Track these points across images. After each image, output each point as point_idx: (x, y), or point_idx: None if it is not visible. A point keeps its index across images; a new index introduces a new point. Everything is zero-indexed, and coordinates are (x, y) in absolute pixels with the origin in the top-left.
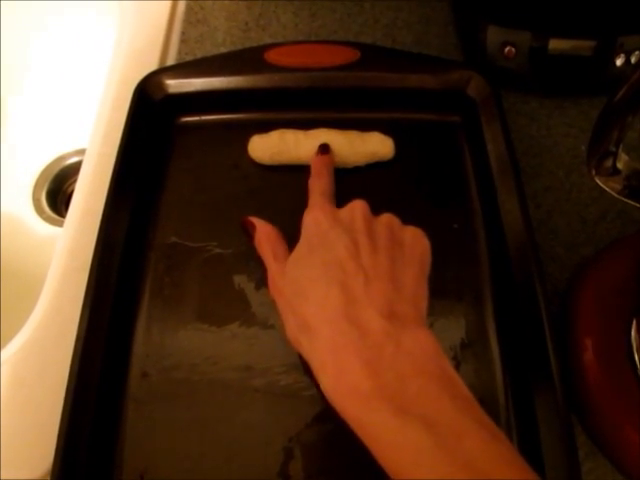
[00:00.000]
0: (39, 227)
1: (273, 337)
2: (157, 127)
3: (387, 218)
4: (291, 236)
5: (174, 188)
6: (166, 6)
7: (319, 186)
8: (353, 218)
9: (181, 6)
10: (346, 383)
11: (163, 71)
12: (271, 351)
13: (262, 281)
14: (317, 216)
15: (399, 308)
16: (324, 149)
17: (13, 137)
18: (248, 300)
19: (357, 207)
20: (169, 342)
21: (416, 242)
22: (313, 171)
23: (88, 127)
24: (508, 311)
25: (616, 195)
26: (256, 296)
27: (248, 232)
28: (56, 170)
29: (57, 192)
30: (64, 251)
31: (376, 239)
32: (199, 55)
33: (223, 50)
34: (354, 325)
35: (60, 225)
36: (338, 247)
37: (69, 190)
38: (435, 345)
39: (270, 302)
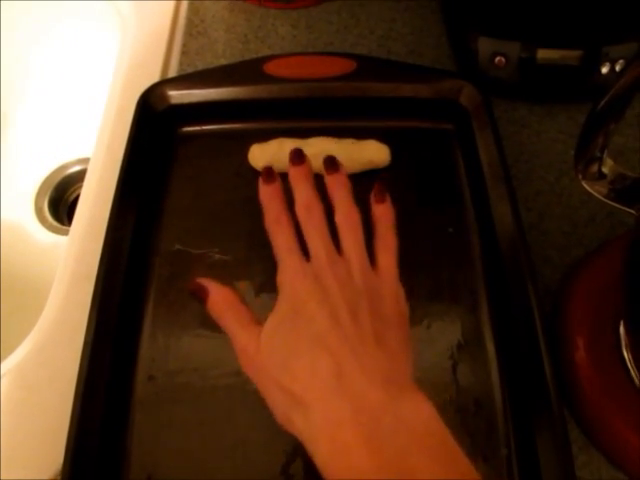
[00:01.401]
0: (41, 236)
1: None
2: (160, 137)
3: (360, 270)
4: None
5: (177, 196)
6: (167, 19)
7: (285, 241)
8: (328, 277)
9: (182, 19)
10: (345, 462)
11: (165, 82)
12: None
13: (263, 286)
14: (292, 282)
15: (391, 375)
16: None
17: (15, 146)
18: (250, 303)
19: (330, 264)
20: (174, 346)
21: (394, 297)
22: (271, 211)
23: (90, 136)
24: (502, 311)
25: (602, 198)
26: (257, 301)
27: (199, 297)
28: (58, 179)
29: (59, 201)
30: (70, 258)
31: (356, 302)
32: (200, 67)
33: (223, 62)
34: (347, 399)
35: (62, 234)
36: (319, 318)
37: (71, 199)
38: (433, 412)
39: (272, 306)
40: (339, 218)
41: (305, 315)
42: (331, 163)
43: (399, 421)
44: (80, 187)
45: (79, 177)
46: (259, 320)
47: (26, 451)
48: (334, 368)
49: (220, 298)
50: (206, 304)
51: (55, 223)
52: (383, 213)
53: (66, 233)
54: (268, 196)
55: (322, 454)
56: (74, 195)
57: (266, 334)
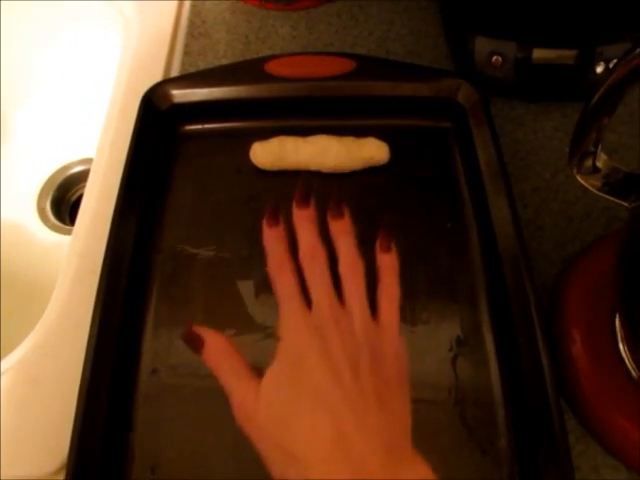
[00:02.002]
0: (44, 235)
1: (273, 337)
2: (162, 135)
3: (361, 323)
4: (292, 242)
5: (179, 193)
6: (169, 20)
7: (287, 288)
8: (330, 330)
9: (184, 20)
10: None
11: (168, 82)
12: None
13: (263, 285)
14: (293, 332)
15: (391, 439)
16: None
17: (18, 147)
18: (250, 301)
19: (332, 316)
20: (176, 340)
21: (395, 353)
22: (274, 256)
23: (92, 137)
24: (500, 306)
25: (596, 192)
26: (257, 299)
27: (194, 346)
28: (60, 179)
29: (61, 201)
30: (74, 254)
31: (357, 359)
32: (201, 67)
33: (224, 62)
34: (347, 462)
35: (64, 233)
36: (320, 375)
37: (73, 199)
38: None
39: (271, 305)
40: (342, 268)
41: (306, 371)
42: (336, 209)
43: None
44: (82, 187)
45: (81, 177)
46: (255, 364)
47: (31, 444)
48: (335, 430)
49: (216, 348)
50: (201, 354)
51: (57, 223)
52: (388, 263)
53: (68, 232)
54: (272, 240)
55: None
56: (76, 195)
57: (265, 389)
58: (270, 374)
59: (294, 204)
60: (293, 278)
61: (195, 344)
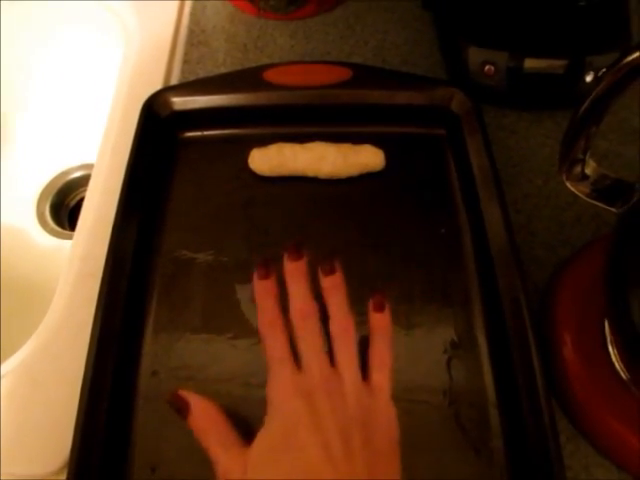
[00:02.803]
0: (43, 239)
1: None
2: (163, 142)
3: (352, 388)
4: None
5: (179, 199)
6: (169, 29)
7: (277, 349)
8: (320, 397)
9: (184, 29)
10: None
11: (168, 90)
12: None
13: None
14: (282, 398)
15: None
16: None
17: (18, 152)
18: (247, 305)
19: (323, 382)
20: (176, 343)
21: (386, 422)
22: (266, 312)
23: (91, 142)
24: (493, 309)
25: (585, 197)
26: (253, 307)
27: (179, 411)
28: (60, 184)
29: (60, 205)
30: (75, 258)
31: (348, 430)
32: (201, 75)
33: (223, 70)
34: None
35: (63, 237)
36: (310, 449)
37: (72, 204)
38: None
39: None
40: (334, 328)
41: (296, 444)
42: (329, 266)
43: None
44: (81, 192)
45: (80, 182)
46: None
47: (33, 444)
48: None
49: (202, 415)
50: (186, 419)
51: (56, 227)
52: (380, 323)
53: (67, 237)
54: (263, 293)
55: None
56: (75, 200)
57: (254, 462)
58: (258, 444)
59: (286, 257)
60: (283, 338)
61: (180, 408)
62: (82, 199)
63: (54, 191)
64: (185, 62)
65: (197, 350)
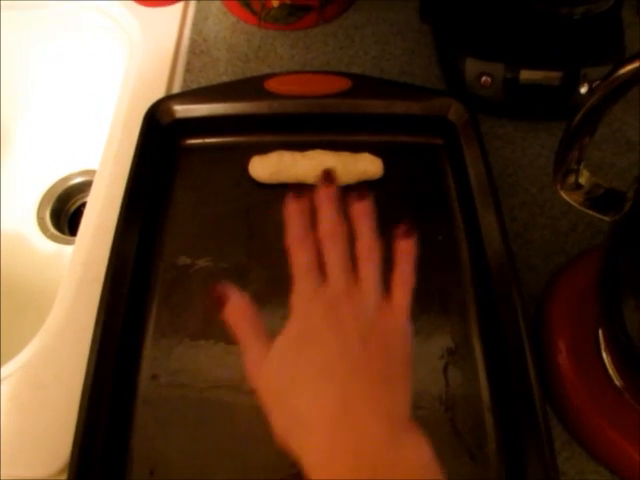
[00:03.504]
0: (43, 245)
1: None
2: (165, 149)
3: (374, 302)
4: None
5: (180, 205)
6: (172, 39)
7: (305, 263)
8: (343, 306)
9: (186, 39)
10: None
11: (171, 98)
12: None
13: (259, 296)
14: (306, 305)
15: (394, 411)
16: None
17: (20, 158)
18: None
19: (347, 294)
20: (176, 347)
21: (403, 334)
22: (295, 229)
23: (92, 149)
24: (489, 316)
25: (578, 207)
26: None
27: (217, 302)
28: (60, 190)
29: (60, 211)
30: (77, 263)
31: (367, 335)
32: (203, 83)
33: (225, 79)
34: (351, 429)
35: (63, 243)
36: (330, 346)
37: (72, 209)
38: (432, 456)
39: (265, 313)
40: (360, 249)
41: (317, 341)
42: (360, 193)
43: (399, 458)
44: (81, 198)
45: (80, 188)
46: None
47: (34, 446)
48: (340, 397)
49: (238, 307)
50: (223, 310)
51: (56, 233)
52: (406, 248)
53: (67, 242)
54: (295, 213)
55: (318, 477)
56: (75, 206)
57: (278, 349)
58: (281, 340)
59: (318, 183)
60: (311, 253)
61: (218, 300)
62: (82, 205)
63: (54, 197)
64: (187, 71)
65: (196, 355)
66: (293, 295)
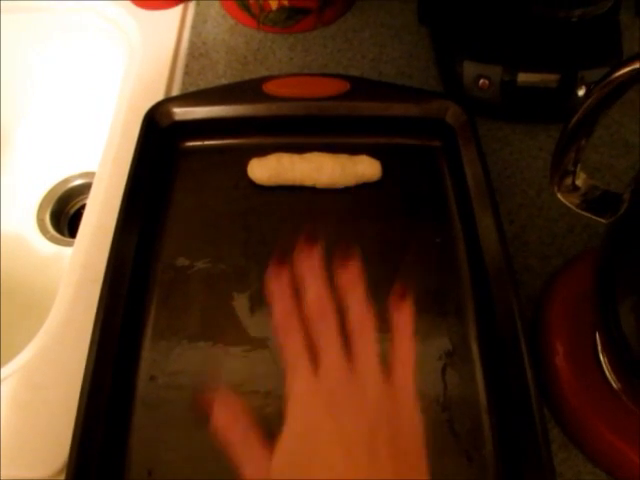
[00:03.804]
0: (43, 246)
1: (269, 350)
2: (164, 151)
3: (374, 386)
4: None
5: (179, 207)
6: (171, 41)
7: (294, 348)
8: (342, 398)
9: (185, 42)
10: None
11: (170, 100)
12: (266, 364)
13: (258, 300)
14: (302, 399)
15: None
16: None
17: (19, 160)
18: (245, 313)
19: (344, 381)
20: (174, 348)
21: (412, 420)
22: (281, 311)
23: (91, 151)
24: (487, 318)
25: (575, 208)
26: (251, 310)
27: (202, 412)
28: (60, 192)
29: (60, 213)
30: (76, 264)
31: (373, 434)
32: (202, 86)
33: (224, 81)
34: None
35: (63, 244)
36: (334, 457)
37: (72, 211)
38: None
39: (265, 323)
40: (352, 323)
41: (319, 451)
42: (344, 253)
43: None
44: (81, 200)
45: (80, 190)
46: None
47: (33, 447)
48: None
49: (230, 416)
50: (210, 421)
51: (56, 234)
52: (403, 319)
53: (66, 244)
54: (277, 292)
55: None
56: (75, 208)
57: (276, 466)
58: (280, 449)
59: (299, 245)
60: (300, 338)
61: (203, 410)
62: (82, 207)
63: (54, 199)
64: (186, 73)
65: (194, 356)
66: (286, 385)
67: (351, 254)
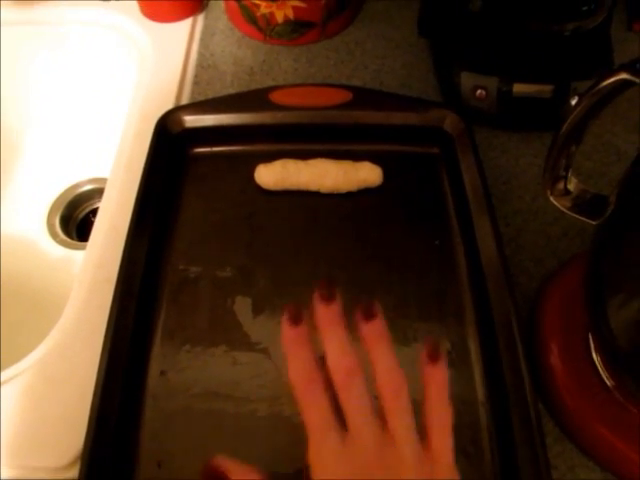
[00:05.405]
0: (53, 249)
1: (269, 351)
2: (174, 157)
3: (411, 457)
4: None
5: (188, 210)
6: (181, 52)
7: (319, 415)
8: (377, 472)
9: (194, 53)
10: None
11: (180, 109)
12: (266, 364)
13: (262, 306)
14: (331, 471)
15: None
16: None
17: (30, 166)
18: (248, 316)
19: (378, 452)
20: (183, 345)
21: None
22: (298, 367)
23: (101, 157)
24: (484, 318)
25: (567, 211)
26: (254, 313)
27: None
28: (70, 197)
29: (69, 218)
30: (90, 264)
31: None
32: (210, 95)
33: (231, 91)
34: None
35: (72, 248)
36: None
37: (80, 216)
38: None
39: (269, 327)
40: (384, 388)
41: None
42: (367, 310)
43: None
44: (89, 205)
45: (89, 196)
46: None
47: (48, 439)
48: None
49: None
50: None
51: (65, 238)
52: (437, 377)
53: (75, 247)
54: (294, 344)
55: None
56: (84, 212)
57: None
58: None
59: (317, 299)
60: (325, 400)
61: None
62: (91, 212)
63: (64, 204)
64: (195, 83)
65: (203, 352)
66: (311, 455)
67: (373, 307)
